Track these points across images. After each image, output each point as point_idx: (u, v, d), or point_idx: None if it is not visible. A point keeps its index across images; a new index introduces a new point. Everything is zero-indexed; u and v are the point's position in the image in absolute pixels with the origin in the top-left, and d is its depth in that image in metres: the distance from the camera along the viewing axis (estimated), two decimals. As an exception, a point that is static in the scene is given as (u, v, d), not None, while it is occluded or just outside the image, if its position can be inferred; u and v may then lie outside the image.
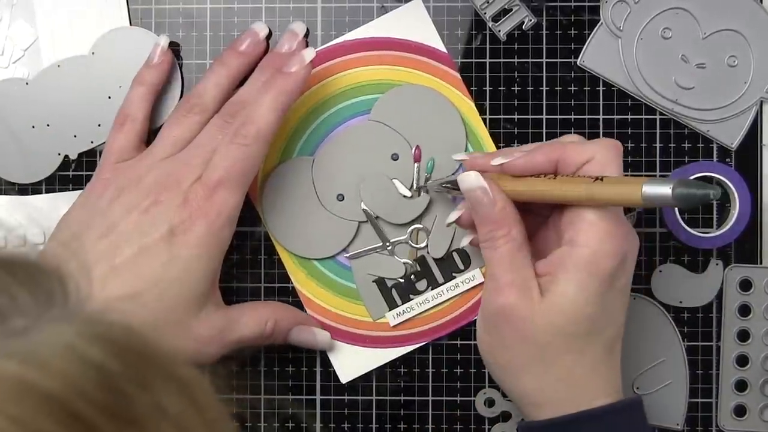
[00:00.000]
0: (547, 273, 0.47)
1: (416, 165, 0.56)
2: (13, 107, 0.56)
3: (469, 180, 0.49)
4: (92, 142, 0.56)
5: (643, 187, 0.43)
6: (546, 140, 0.56)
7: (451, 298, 0.56)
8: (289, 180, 0.56)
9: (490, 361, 0.50)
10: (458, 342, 0.56)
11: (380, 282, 0.56)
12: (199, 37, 0.57)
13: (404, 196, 0.56)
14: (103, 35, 0.56)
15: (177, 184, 0.50)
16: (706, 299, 0.56)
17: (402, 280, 0.56)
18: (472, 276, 0.56)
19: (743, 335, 0.56)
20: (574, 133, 0.56)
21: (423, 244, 0.56)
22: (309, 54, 0.52)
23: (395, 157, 0.56)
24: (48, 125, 0.56)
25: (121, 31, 0.56)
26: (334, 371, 0.56)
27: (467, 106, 0.56)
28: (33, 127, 0.56)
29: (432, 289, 0.56)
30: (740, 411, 0.56)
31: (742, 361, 0.56)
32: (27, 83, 0.56)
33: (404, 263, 0.56)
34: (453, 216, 0.52)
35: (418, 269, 0.56)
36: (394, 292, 0.56)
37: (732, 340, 0.56)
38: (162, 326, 0.49)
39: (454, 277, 0.56)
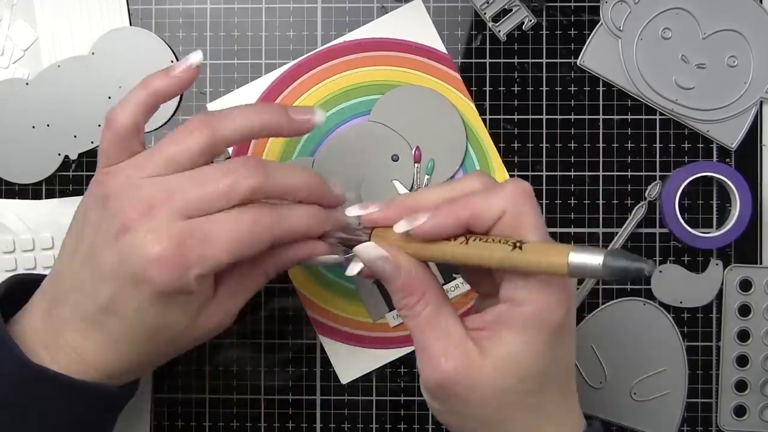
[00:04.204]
0: (482, 328, 0.43)
1: (416, 166, 0.56)
2: (13, 107, 0.56)
3: (367, 252, 0.43)
4: (92, 143, 0.56)
5: (570, 258, 0.37)
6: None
7: (451, 299, 0.56)
8: (289, 180, 0.56)
9: (444, 424, 0.46)
10: (458, 342, 0.56)
11: (380, 283, 0.56)
12: (199, 37, 0.57)
13: (404, 197, 0.56)
14: (103, 35, 0.56)
15: (152, 214, 0.43)
16: (706, 299, 0.56)
17: (402, 281, 0.56)
18: (472, 276, 0.56)
19: (743, 335, 0.56)
20: (574, 133, 0.56)
21: (423, 245, 0.56)
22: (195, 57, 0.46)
23: (395, 158, 0.56)
24: (48, 125, 0.56)
25: (121, 31, 0.56)
26: (334, 372, 0.56)
27: (467, 106, 0.56)
28: (33, 127, 0.56)
29: (432, 290, 0.56)
30: (740, 411, 0.56)
31: (742, 361, 0.56)
32: (27, 83, 0.56)
33: (404, 264, 0.56)
34: (354, 269, 0.46)
35: (418, 269, 0.56)
36: (394, 292, 0.56)
37: (732, 340, 0.56)
38: (162, 357, 0.47)
39: (455, 278, 0.56)
